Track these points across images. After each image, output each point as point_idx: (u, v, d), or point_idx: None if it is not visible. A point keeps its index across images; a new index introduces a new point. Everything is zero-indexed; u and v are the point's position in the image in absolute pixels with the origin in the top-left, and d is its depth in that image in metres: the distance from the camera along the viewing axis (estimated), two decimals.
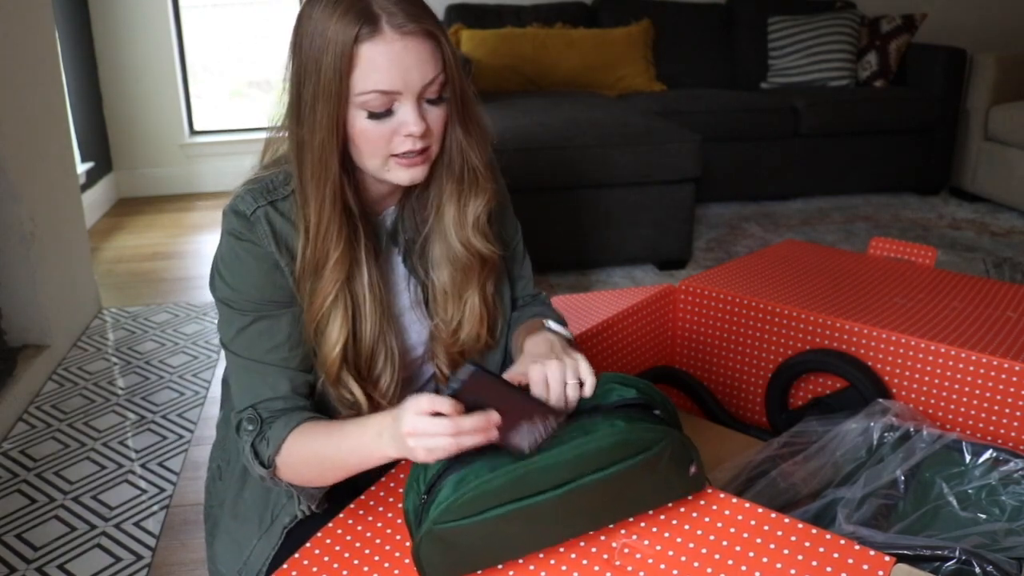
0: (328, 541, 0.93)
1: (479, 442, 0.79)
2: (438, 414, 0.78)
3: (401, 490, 1.02)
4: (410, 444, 0.79)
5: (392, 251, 1.04)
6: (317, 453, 0.91)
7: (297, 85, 0.89)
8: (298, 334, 0.97)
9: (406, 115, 0.88)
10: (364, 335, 0.97)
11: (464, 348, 1.06)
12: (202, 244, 3.55)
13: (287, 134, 0.93)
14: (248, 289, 0.95)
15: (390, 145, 0.89)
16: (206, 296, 2.90)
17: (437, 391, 1.11)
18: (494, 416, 0.79)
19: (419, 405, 0.79)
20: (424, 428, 0.78)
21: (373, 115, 0.87)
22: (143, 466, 1.93)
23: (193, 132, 4.36)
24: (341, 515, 0.95)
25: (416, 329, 1.07)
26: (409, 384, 1.10)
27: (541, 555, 0.87)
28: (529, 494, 0.80)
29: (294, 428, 0.92)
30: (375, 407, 1.00)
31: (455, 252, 1.00)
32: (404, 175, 0.92)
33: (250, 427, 0.95)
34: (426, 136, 0.90)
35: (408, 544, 0.90)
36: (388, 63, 0.85)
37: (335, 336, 0.95)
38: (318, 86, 0.86)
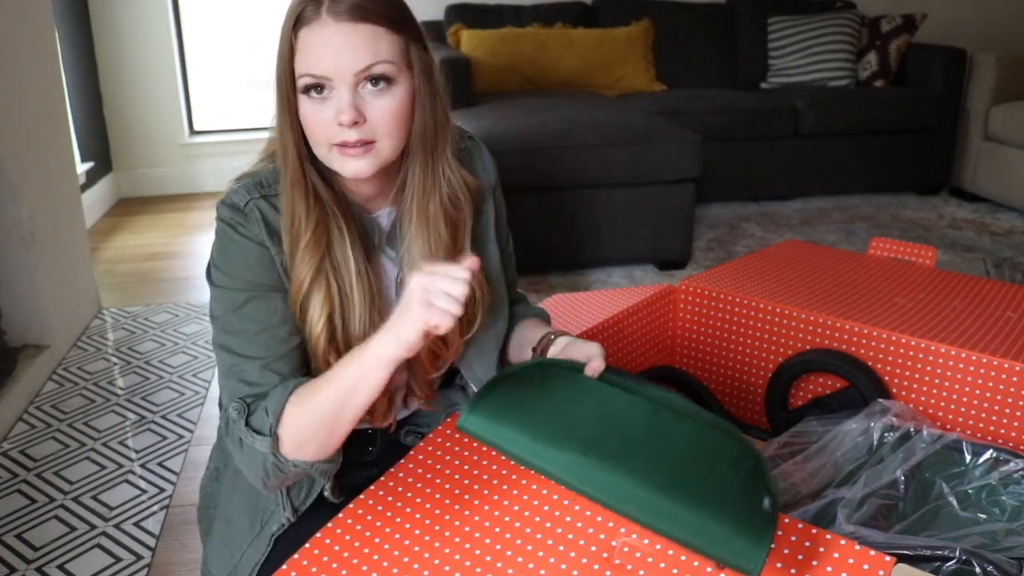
0: (327, 541, 0.93)
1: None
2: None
3: (400, 489, 1.02)
4: (418, 303, 0.81)
5: (386, 252, 1.03)
6: (320, 401, 0.89)
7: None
8: (292, 322, 0.96)
9: (338, 102, 0.87)
10: (352, 323, 0.96)
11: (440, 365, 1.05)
12: (202, 244, 3.55)
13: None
14: (242, 271, 0.95)
15: (329, 133, 0.89)
16: (206, 296, 2.87)
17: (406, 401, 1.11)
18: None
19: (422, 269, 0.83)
20: (431, 273, 0.81)
21: (309, 97, 0.88)
22: (143, 466, 1.93)
23: (193, 132, 4.35)
24: (340, 515, 0.95)
25: None
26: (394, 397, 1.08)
27: (540, 553, 0.87)
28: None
29: (292, 392, 0.92)
30: None
31: (430, 214, 0.97)
32: (346, 166, 0.90)
33: (237, 415, 0.93)
34: (361, 126, 0.88)
35: (406, 542, 0.90)
36: (319, 48, 0.86)
37: (316, 313, 0.94)
38: (278, 71, 0.90)
